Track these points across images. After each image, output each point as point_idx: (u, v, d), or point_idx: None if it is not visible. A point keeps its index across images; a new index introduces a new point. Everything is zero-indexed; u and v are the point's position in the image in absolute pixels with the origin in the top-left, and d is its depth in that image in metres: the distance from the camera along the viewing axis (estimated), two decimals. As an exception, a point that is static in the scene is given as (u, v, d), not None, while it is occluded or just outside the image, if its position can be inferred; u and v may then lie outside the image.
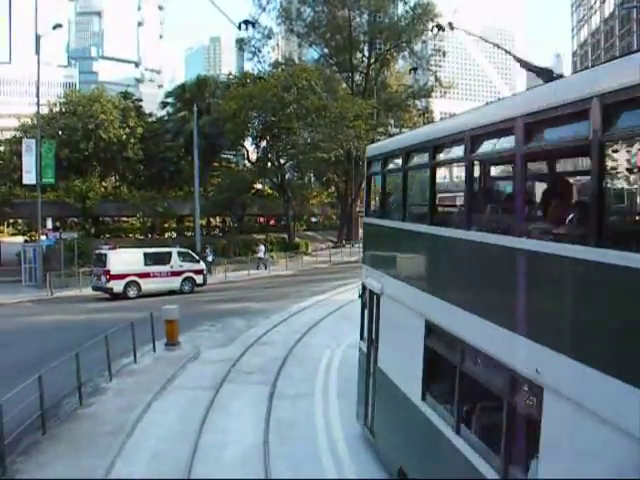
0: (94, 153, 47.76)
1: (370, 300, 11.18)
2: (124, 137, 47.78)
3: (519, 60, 9.00)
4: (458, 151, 7.23)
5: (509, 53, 13.83)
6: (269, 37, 59.53)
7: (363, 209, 49.25)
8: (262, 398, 14.69)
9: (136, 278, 31.40)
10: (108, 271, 30.79)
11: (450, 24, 26.15)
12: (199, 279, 33.48)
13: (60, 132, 46.91)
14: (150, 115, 57.02)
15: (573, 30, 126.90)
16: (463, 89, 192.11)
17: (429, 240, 8.02)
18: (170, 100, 54.93)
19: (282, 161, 51.14)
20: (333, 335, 21.36)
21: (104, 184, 52.61)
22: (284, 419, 13.33)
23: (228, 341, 20.75)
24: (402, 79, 71.76)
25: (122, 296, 31.13)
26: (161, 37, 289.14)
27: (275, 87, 44.49)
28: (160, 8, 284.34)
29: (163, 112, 56.50)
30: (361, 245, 49.59)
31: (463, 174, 7.12)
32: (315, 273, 42.61)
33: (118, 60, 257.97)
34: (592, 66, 5.75)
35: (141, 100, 56.24)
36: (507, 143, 5.96)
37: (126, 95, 54.05)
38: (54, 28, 37.47)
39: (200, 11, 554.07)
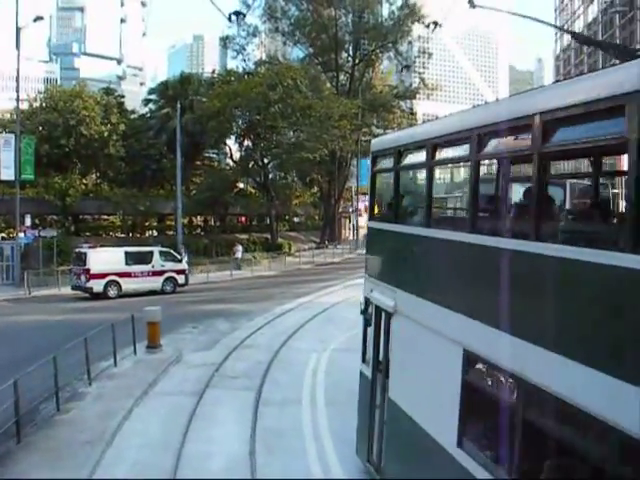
0: (75, 150, 46.88)
1: (377, 318, 9.52)
2: (106, 134, 46.92)
3: (577, 37, 8.46)
4: (521, 141, 5.82)
5: (559, 28, 13.38)
6: (254, 35, 59.01)
7: (346, 209, 48.73)
8: (247, 405, 14.21)
9: (117, 278, 30.78)
10: (88, 270, 30.14)
11: (435, 23, 25.89)
12: (181, 279, 32.91)
13: (40, 128, 46.02)
14: (132, 112, 56.24)
15: (556, 34, 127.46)
16: (446, 92, 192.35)
17: (470, 252, 6.55)
18: (153, 97, 54.22)
19: (266, 160, 50.58)
20: (319, 338, 20.92)
21: (85, 181, 51.69)
22: (271, 427, 12.82)
23: (211, 344, 20.22)
24: (386, 80, 71.55)
25: (102, 296, 30.52)
26: (144, 34, 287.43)
27: (260, 85, 43.96)
28: (143, 5, 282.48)
29: (146, 109, 55.78)
30: (346, 246, 48.94)
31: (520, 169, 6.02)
32: (298, 274, 42.13)
33: (100, 57, 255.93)
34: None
35: (123, 96, 55.31)
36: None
37: (108, 91, 53.14)
38: (35, 20, 36.68)
39: (183, 9, 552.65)
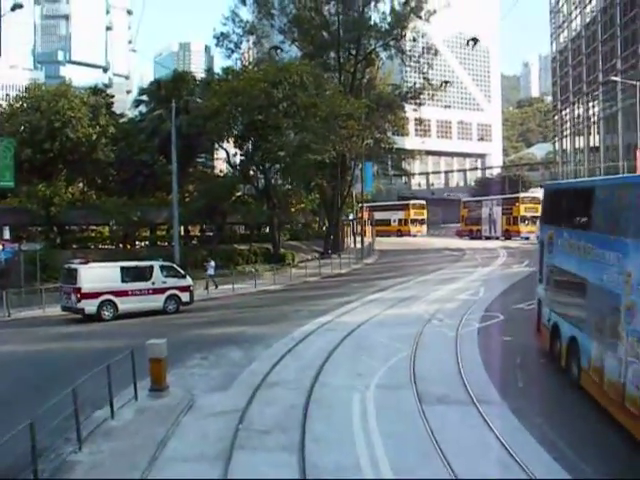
0: (60, 154, 42.89)
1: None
2: (94, 137, 43.10)
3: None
4: None
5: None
6: (250, 32, 55.71)
7: (350, 217, 44.91)
8: (290, 475, 10.75)
9: (112, 297, 27.10)
10: (79, 289, 26.48)
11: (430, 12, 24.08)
12: (185, 297, 29.24)
13: (22, 129, 42.22)
14: (122, 116, 52.62)
15: (552, 36, 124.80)
16: (441, 95, 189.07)
17: None
18: (144, 98, 50.59)
19: (267, 165, 46.90)
20: (355, 371, 17.41)
21: (71, 189, 47.76)
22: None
23: (227, 381, 16.58)
24: (387, 79, 68.57)
25: (96, 318, 26.83)
26: (130, 42, 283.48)
27: (263, 82, 40.50)
28: (129, 13, 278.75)
29: (136, 112, 52.18)
30: (350, 256, 44.79)
31: None
32: (307, 288, 38.57)
33: (86, 65, 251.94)
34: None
35: (113, 96, 51.57)
36: None
37: (96, 91, 49.41)
38: (13, 9, 33.08)
39: (169, 17, 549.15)
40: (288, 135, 42.70)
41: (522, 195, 76.85)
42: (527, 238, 66.69)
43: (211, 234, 54.06)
